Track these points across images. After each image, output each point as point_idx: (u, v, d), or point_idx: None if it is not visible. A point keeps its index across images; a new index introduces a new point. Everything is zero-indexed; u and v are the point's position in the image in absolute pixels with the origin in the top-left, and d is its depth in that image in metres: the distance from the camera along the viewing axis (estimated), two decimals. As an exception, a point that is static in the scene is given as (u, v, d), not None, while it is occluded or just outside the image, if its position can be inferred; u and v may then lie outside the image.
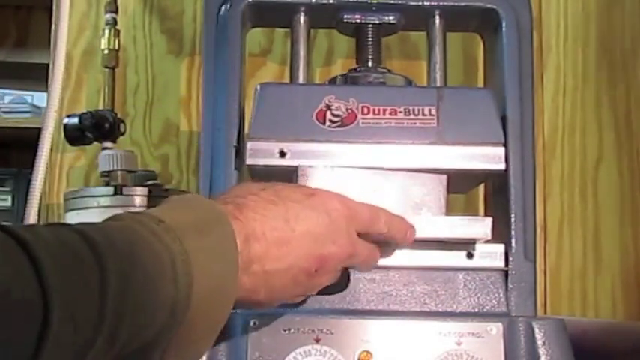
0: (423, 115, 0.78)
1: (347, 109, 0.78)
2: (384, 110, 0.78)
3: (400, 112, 0.78)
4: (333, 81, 0.88)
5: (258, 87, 0.79)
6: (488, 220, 0.73)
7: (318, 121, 0.77)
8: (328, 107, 0.78)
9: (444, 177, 0.77)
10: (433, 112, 0.78)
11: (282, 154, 0.76)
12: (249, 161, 0.76)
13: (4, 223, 0.43)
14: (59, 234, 0.45)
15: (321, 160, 0.77)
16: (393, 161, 0.77)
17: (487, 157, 0.78)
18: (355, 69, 0.88)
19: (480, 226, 0.73)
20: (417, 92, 0.82)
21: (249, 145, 0.76)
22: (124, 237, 0.48)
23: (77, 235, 0.45)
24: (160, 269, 0.48)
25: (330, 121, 0.77)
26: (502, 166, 0.78)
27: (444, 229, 0.73)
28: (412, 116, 0.78)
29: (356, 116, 0.78)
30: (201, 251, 0.51)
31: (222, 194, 0.62)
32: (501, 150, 0.78)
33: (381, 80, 0.86)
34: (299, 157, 0.76)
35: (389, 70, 0.88)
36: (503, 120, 0.80)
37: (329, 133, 0.77)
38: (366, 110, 0.78)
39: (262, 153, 0.76)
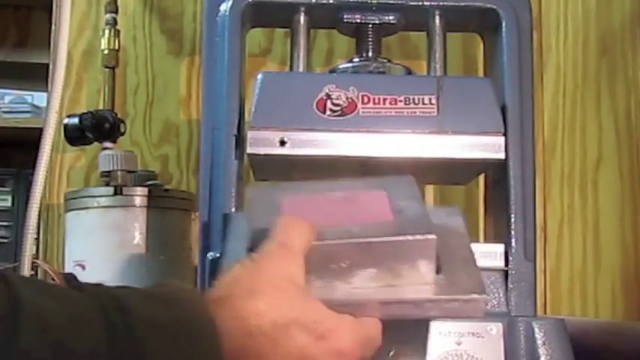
0: (423, 104, 0.78)
1: (347, 98, 0.78)
2: (384, 99, 0.78)
3: (400, 101, 0.78)
4: (333, 70, 0.88)
5: (260, 76, 0.79)
6: (482, 299, 0.58)
7: (319, 110, 0.78)
8: (328, 96, 0.78)
9: (411, 177, 0.68)
10: (433, 101, 0.78)
11: (283, 143, 0.77)
12: (249, 150, 0.77)
13: None
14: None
15: (322, 149, 0.77)
16: (392, 150, 0.77)
17: (487, 146, 0.78)
18: (355, 59, 0.88)
19: (471, 308, 0.58)
20: (417, 81, 0.82)
21: (249, 134, 0.77)
22: (65, 310, 0.45)
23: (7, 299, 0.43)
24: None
25: (331, 110, 0.78)
26: (502, 155, 0.78)
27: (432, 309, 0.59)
28: (412, 105, 0.78)
29: (356, 105, 0.78)
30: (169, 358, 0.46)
31: (231, 292, 0.52)
32: (501, 139, 0.79)
33: (381, 70, 0.86)
34: (299, 145, 0.77)
35: (389, 60, 0.88)
36: (503, 110, 0.80)
37: (329, 122, 0.77)
38: (366, 99, 0.78)
39: (263, 142, 0.76)
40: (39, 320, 0.42)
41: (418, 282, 0.56)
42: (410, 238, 0.55)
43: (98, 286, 0.49)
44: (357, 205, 0.59)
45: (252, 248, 0.56)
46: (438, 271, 0.56)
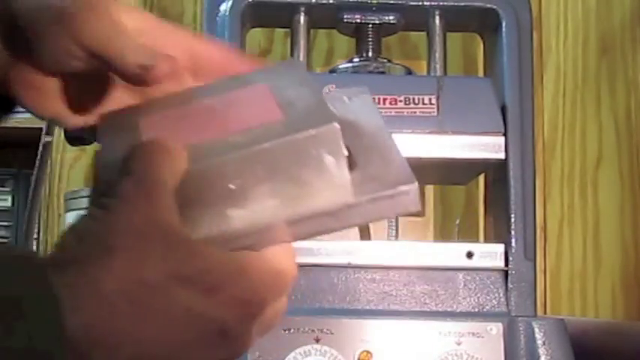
0: (423, 104, 0.78)
1: None
2: (384, 99, 0.78)
3: (400, 101, 0.78)
4: (333, 70, 0.88)
5: None
6: (412, 190, 0.46)
7: None
8: None
9: (298, 62, 0.57)
10: (433, 101, 0.78)
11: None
12: None
13: None
14: None
15: None
16: None
17: (487, 147, 0.78)
18: (355, 59, 0.88)
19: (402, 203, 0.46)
20: (417, 81, 0.82)
21: None
22: None
23: None
24: None
25: None
26: (502, 155, 0.78)
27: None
28: (412, 105, 0.78)
29: None
30: None
31: (79, 253, 0.40)
32: (501, 139, 0.79)
33: (381, 70, 0.86)
34: None
35: (389, 60, 0.88)
36: (503, 110, 0.80)
37: None
38: (366, 99, 0.78)
39: None
40: None
41: (329, 186, 0.44)
42: (306, 133, 0.43)
43: None
44: (236, 109, 0.47)
45: (103, 192, 0.42)
46: (351, 167, 0.44)
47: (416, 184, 0.44)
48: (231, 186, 0.43)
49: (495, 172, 0.84)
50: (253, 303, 0.42)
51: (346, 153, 0.44)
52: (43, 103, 0.51)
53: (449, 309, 0.75)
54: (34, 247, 0.90)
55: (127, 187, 0.41)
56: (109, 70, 0.48)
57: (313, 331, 0.71)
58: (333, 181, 0.44)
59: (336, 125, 0.43)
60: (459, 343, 0.72)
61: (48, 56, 0.47)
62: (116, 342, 0.39)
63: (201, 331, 0.41)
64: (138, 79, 0.47)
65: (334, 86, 0.77)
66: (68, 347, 0.37)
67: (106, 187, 0.42)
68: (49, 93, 0.50)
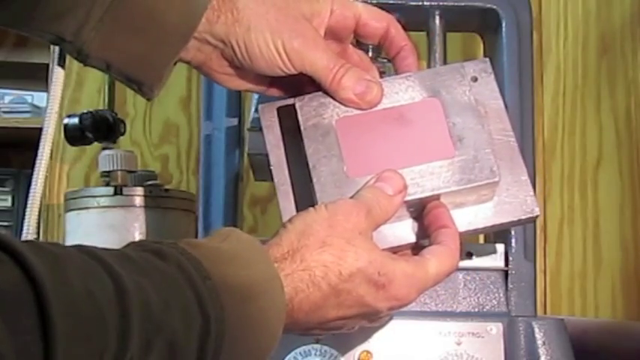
0: None
1: None
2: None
3: (400, 101, 0.78)
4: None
5: None
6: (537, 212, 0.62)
7: None
8: None
9: (460, 70, 0.64)
10: None
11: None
12: (249, 150, 0.76)
13: (33, 261, 0.38)
14: (88, 281, 0.41)
15: None
16: None
17: None
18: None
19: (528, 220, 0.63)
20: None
21: (249, 134, 0.77)
22: (162, 292, 0.44)
23: (111, 284, 0.42)
24: (188, 337, 0.45)
25: None
26: None
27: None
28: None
29: None
30: (241, 321, 0.48)
31: (303, 243, 0.54)
32: (501, 147, 0.78)
33: (382, 70, 0.85)
34: None
35: (389, 60, 0.87)
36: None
37: None
38: (366, 99, 0.78)
39: (262, 142, 0.76)
40: (142, 306, 0.42)
41: (481, 210, 0.61)
42: (474, 184, 0.59)
43: (174, 247, 0.48)
44: (412, 130, 0.60)
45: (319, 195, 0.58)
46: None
47: (538, 211, 0.61)
48: (411, 209, 0.59)
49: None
50: (403, 302, 0.57)
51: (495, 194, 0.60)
52: (233, 82, 0.63)
53: (449, 309, 0.75)
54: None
55: (348, 204, 0.56)
56: (323, 89, 0.60)
57: (313, 331, 0.71)
58: (486, 210, 0.61)
59: (496, 179, 0.59)
60: (458, 343, 0.72)
61: (259, 67, 0.59)
62: (314, 312, 0.53)
63: (363, 313, 0.56)
64: (353, 103, 0.60)
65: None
66: (286, 316, 0.51)
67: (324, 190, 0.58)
68: (239, 76, 0.62)
